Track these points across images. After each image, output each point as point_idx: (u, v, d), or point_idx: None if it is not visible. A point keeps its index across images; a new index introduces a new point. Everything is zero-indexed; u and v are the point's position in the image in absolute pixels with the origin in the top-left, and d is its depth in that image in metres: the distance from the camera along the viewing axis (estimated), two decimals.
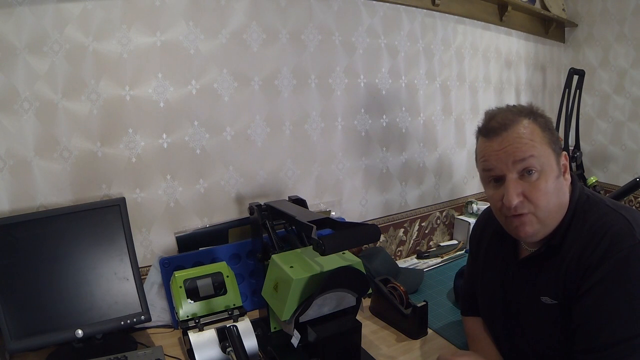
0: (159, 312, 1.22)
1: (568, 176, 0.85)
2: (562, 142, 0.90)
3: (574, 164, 2.10)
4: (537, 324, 0.85)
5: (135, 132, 1.20)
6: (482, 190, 2.05)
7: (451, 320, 1.24)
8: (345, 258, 0.98)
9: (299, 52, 1.44)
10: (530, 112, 0.83)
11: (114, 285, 1.07)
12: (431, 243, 1.90)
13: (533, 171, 0.79)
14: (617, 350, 0.71)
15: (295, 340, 0.93)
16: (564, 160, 0.85)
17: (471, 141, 1.98)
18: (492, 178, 0.84)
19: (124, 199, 1.11)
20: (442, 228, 1.94)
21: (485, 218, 1.07)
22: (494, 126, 0.83)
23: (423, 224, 1.86)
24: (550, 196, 0.79)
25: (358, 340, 0.99)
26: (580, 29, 2.39)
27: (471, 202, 1.92)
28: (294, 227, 1.14)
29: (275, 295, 0.95)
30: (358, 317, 0.99)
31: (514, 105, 0.87)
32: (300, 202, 1.23)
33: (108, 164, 1.17)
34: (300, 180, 1.50)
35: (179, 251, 1.28)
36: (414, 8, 1.70)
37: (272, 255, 1.00)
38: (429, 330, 1.18)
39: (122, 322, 1.05)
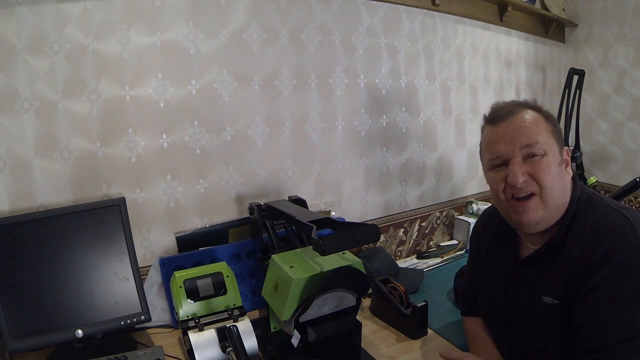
0: (159, 312, 1.22)
1: (570, 170, 0.86)
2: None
3: (574, 164, 2.10)
4: (538, 324, 0.85)
5: (135, 132, 1.20)
6: (482, 190, 2.07)
7: (451, 320, 1.24)
8: (345, 258, 0.98)
9: (299, 52, 1.44)
10: (535, 106, 0.87)
11: (114, 285, 1.07)
12: (431, 243, 1.90)
13: (537, 155, 0.81)
14: (620, 350, 0.70)
15: (295, 340, 0.93)
16: (566, 155, 0.86)
17: (471, 141, 1.99)
18: (497, 162, 0.86)
19: (124, 199, 1.11)
20: (442, 228, 1.94)
21: (485, 218, 1.07)
22: (500, 113, 0.86)
23: (423, 224, 1.86)
24: (554, 177, 0.81)
25: (358, 340, 0.99)
26: (580, 29, 2.39)
27: (471, 202, 1.92)
28: (294, 227, 1.14)
29: (275, 295, 0.95)
30: (358, 317, 0.99)
31: (520, 100, 0.91)
32: (300, 202, 1.23)
33: (108, 164, 1.17)
34: (300, 180, 1.50)
35: (179, 251, 1.28)
36: (414, 8, 1.70)
37: (272, 255, 1.00)
38: (429, 330, 1.18)
39: (122, 322, 1.05)
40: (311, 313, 0.92)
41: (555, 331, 0.82)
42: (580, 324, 0.76)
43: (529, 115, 0.84)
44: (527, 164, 0.82)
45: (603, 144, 2.35)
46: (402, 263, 1.69)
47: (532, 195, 0.81)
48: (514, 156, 0.82)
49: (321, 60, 1.48)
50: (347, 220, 1.51)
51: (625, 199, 1.96)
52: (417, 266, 1.66)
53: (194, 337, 0.96)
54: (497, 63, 2.10)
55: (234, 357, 0.88)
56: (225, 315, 1.06)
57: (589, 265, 0.75)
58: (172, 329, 1.21)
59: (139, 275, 1.10)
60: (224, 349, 0.94)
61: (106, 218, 1.07)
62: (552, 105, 2.43)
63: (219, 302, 1.09)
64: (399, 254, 1.79)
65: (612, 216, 0.78)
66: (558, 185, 0.82)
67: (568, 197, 0.84)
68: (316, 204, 1.54)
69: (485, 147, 0.89)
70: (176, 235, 1.28)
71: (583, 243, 0.78)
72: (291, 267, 0.93)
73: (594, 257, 0.74)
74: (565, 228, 0.81)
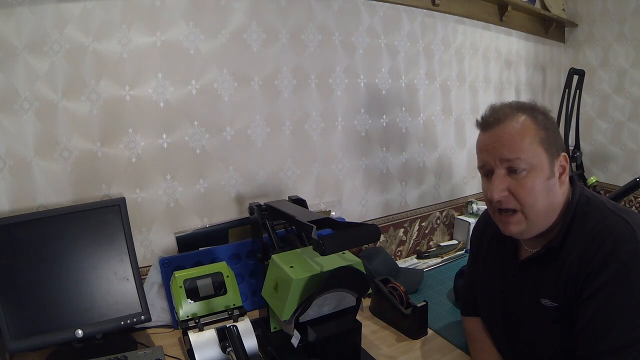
0: (159, 312, 1.22)
1: (565, 179, 0.84)
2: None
3: (574, 164, 2.10)
4: (536, 326, 0.85)
5: (135, 132, 1.20)
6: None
7: (451, 320, 1.24)
8: (345, 258, 0.98)
9: (299, 52, 1.44)
10: (530, 109, 0.83)
11: (114, 285, 1.07)
12: (431, 243, 1.90)
13: (521, 170, 0.79)
14: (622, 355, 0.70)
15: (295, 340, 0.93)
16: (563, 161, 0.83)
17: (471, 141, 1.99)
18: (485, 172, 0.86)
19: (124, 199, 1.11)
20: (442, 228, 1.94)
21: (485, 219, 1.07)
22: (489, 120, 0.84)
23: (423, 224, 1.86)
24: (537, 195, 0.79)
25: (358, 340, 0.99)
26: (580, 29, 2.39)
27: (471, 202, 1.92)
28: (294, 227, 1.14)
29: (275, 295, 0.95)
30: (358, 317, 0.99)
31: (517, 102, 0.87)
32: (300, 202, 1.23)
33: (108, 164, 1.17)
34: (300, 180, 1.50)
35: (179, 251, 1.28)
36: (414, 8, 1.70)
37: (272, 255, 1.00)
38: (429, 330, 1.18)
39: (122, 322, 1.05)
40: (311, 313, 0.92)
41: (554, 333, 0.82)
42: (581, 329, 0.75)
43: (517, 123, 0.80)
44: (510, 178, 0.80)
45: (603, 144, 2.35)
46: (402, 263, 1.69)
47: (514, 211, 0.81)
48: (496, 167, 0.81)
49: (321, 60, 1.48)
50: (347, 220, 1.51)
51: (625, 199, 1.96)
52: (417, 266, 1.66)
53: (194, 337, 0.96)
54: (497, 63, 2.10)
55: (234, 357, 0.88)
56: (225, 315, 1.06)
57: (589, 270, 0.74)
58: (172, 329, 1.21)
59: (139, 275, 1.10)
60: (224, 349, 0.94)
61: (106, 218, 1.07)
62: (552, 105, 2.43)
63: (219, 302, 1.09)
64: (399, 254, 1.79)
65: (611, 219, 0.77)
66: (542, 202, 0.80)
67: (558, 204, 0.82)
68: (316, 204, 1.54)
69: (477, 153, 0.88)
70: (176, 235, 1.28)
71: (582, 246, 0.77)
72: (291, 267, 0.93)
73: (594, 261, 0.74)
74: (564, 231, 0.81)
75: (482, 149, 0.85)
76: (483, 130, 0.86)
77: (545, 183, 0.80)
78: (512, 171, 0.80)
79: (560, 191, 0.83)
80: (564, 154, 0.83)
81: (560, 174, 0.83)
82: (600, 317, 0.73)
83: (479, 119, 0.88)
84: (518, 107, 0.84)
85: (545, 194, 0.80)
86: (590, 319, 0.74)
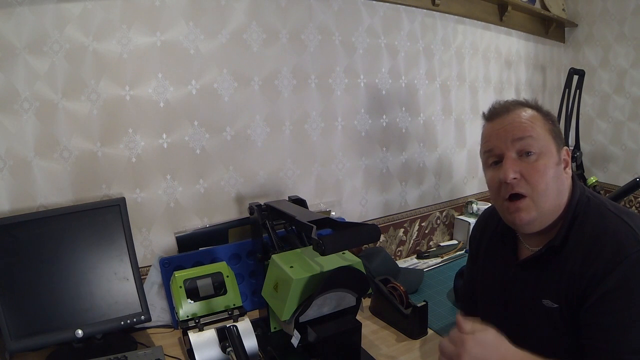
0: (159, 312, 1.22)
1: (569, 170, 0.85)
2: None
3: (574, 164, 2.10)
4: (537, 326, 0.85)
5: (135, 132, 1.20)
6: (482, 190, 2.07)
7: (451, 320, 1.24)
8: (345, 258, 0.98)
9: (299, 52, 1.44)
10: (535, 105, 0.87)
11: (114, 285, 1.07)
12: (431, 243, 1.91)
13: (532, 153, 0.80)
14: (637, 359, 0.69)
15: (295, 340, 0.93)
16: (566, 155, 0.85)
17: (471, 141, 1.99)
18: (493, 159, 0.85)
19: (124, 199, 1.11)
20: (442, 228, 1.94)
21: (485, 218, 1.06)
22: (497, 109, 0.87)
23: (423, 224, 1.86)
24: (549, 180, 0.79)
25: (358, 340, 0.99)
26: (580, 29, 2.39)
27: (471, 202, 1.92)
28: (294, 227, 1.14)
29: (275, 295, 0.95)
30: (358, 317, 0.99)
31: (522, 99, 0.90)
32: (300, 202, 1.23)
33: (108, 164, 1.17)
34: (300, 180, 1.50)
35: (179, 251, 1.28)
36: (414, 8, 1.70)
37: (272, 255, 1.00)
38: (429, 330, 1.18)
39: (122, 322, 1.05)
40: (311, 313, 0.92)
41: (554, 334, 0.82)
42: (590, 337, 0.74)
43: (525, 112, 0.84)
44: (522, 162, 0.81)
45: (603, 144, 2.35)
46: (402, 263, 1.69)
47: (524, 197, 0.81)
48: (507, 150, 0.82)
49: (321, 60, 1.48)
50: (347, 220, 1.51)
51: (625, 199, 1.96)
52: (417, 266, 1.66)
53: (194, 337, 0.96)
54: (497, 63, 2.10)
55: (234, 357, 0.88)
56: (225, 315, 1.06)
57: (592, 273, 0.73)
58: (172, 329, 1.21)
59: (139, 275, 1.10)
60: (224, 349, 0.94)
61: (106, 218, 1.07)
62: (552, 105, 2.43)
63: (219, 302, 1.09)
64: (399, 254, 1.79)
65: (612, 220, 0.76)
66: (553, 188, 0.80)
67: (565, 198, 0.83)
68: (316, 204, 1.54)
69: (482, 143, 0.89)
70: (176, 235, 1.28)
71: (583, 248, 0.76)
72: (291, 267, 0.93)
73: (597, 264, 0.73)
74: (565, 231, 0.80)
75: (491, 133, 0.85)
76: (491, 120, 0.87)
77: (555, 168, 0.81)
78: (522, 155, 0.81)
79: (566, 182, 0.83)
80: (566, 147, 0.86)
81: (565, 167, 0.84)
82: (610, 321, 0.72)
83: (485, 112, 0.89)
84: (523, 103, 0.88)
85: (555, 180, 0.80)
86: (599, 325, 0.73)
